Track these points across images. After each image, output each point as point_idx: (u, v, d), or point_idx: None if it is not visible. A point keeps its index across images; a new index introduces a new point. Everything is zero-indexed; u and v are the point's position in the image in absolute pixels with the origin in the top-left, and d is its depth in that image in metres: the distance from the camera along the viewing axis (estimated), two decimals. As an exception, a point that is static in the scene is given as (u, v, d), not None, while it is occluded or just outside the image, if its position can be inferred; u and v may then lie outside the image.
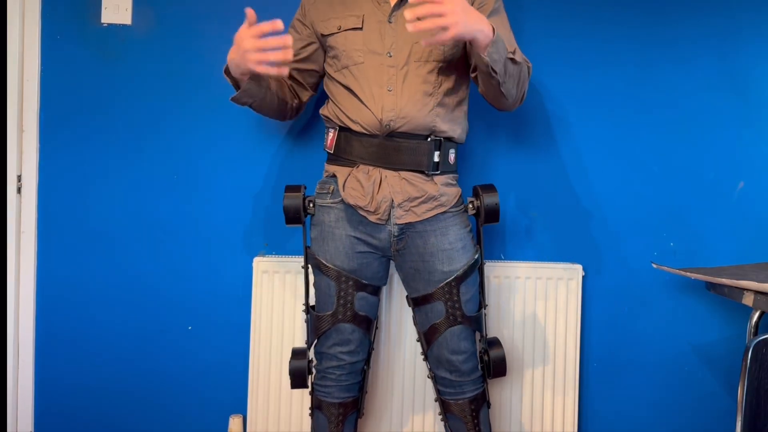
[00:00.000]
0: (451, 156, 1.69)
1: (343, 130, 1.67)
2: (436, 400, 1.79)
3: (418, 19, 1.37)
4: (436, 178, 1.66)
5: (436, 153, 1.65)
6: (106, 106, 2.00)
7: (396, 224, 1.64)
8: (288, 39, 1.44)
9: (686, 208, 2.10)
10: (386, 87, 1.61)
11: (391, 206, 1.63)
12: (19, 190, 2.00)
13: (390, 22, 1.63)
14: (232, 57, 1.51)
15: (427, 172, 1.64)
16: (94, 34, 1.99)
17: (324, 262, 1.67)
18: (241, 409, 2.05)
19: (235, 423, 2.04)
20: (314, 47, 1.74)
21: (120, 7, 1.98)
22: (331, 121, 1.69)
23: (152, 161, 2.01)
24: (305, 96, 1.81)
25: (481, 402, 1.75)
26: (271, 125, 2.02)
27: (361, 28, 1.62)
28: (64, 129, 2.00)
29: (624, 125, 2.07)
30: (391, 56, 1.61)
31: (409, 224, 1.64)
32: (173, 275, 2.04)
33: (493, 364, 1.76)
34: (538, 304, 2.01)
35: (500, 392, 2.02)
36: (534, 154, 2.06)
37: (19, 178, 2.00)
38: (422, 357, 1.80)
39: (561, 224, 2.08)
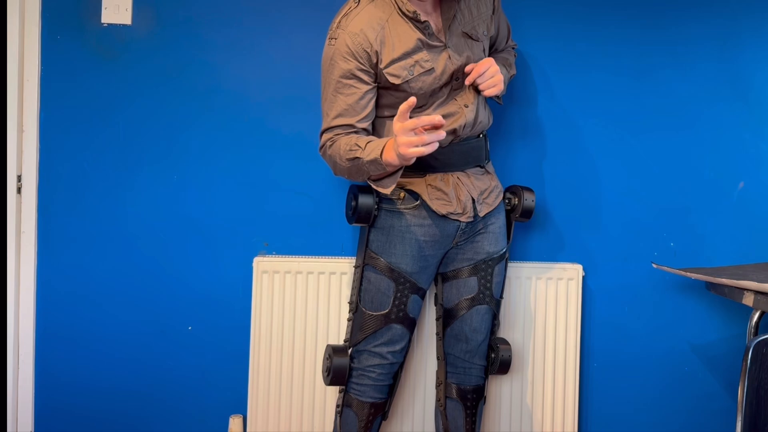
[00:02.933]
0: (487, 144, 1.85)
1: None
2: (438, 386, 1.86)
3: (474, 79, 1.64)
4: (488, 167, 1.82)
5: (486, 144, 1.82)
6: (106, 106, 2.00)
7: (478, 218, 1.75)
8: (439, 119, 1.42)
9: (686, 208, 2.10)
10: (462, 104, 1.69)
11: (473, 203, 1.74)
12: (19, 190, 2.00)
13: (448, 47, 1.66)
14: (396, 154, 1.47)
15: (482, 165, 1.79)
16: (94, 34, 1.99)
17: (389, 264, 1.73)
18: (241, 409, 2.05)
19: (235, 423, 2.04)
20: (374, 94, 1.67)
21: (120, 7, 1.98)
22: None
23: (152, 161, 2.01)
24: None
25: (481, 394, 1.84)
26: (271, 125, 2.02)
27: (433, 70, 1.64)
28: (64, 129, 2.00)
29: (624, 125, 2.07)
30: (458, 80, 1.68)
31: (485, 215, 1.77)
32: (173, 275, 2.04)
33: (501, 359, 1.84)
34: (538, 304, 2.01)
35: (500, 391, 2.02)
36: (534, 154, 2.06)
37: (19, 178, 2.00)
38: (437, 337, 1.88)
39: (561, 224, 2.08)
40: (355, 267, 1.82)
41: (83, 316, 2.03)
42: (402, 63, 1.61)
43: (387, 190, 1.60)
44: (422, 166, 1.69)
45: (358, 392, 1.77)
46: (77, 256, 2.02)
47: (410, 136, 1.42)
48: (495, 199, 1.81)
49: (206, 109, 2.01)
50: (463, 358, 1.81)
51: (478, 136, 1.77)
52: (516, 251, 2.07)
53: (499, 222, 1.82)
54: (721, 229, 2.10)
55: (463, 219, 1.73)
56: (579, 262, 2.06)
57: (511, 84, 2.03)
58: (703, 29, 2.07)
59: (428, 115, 1.59)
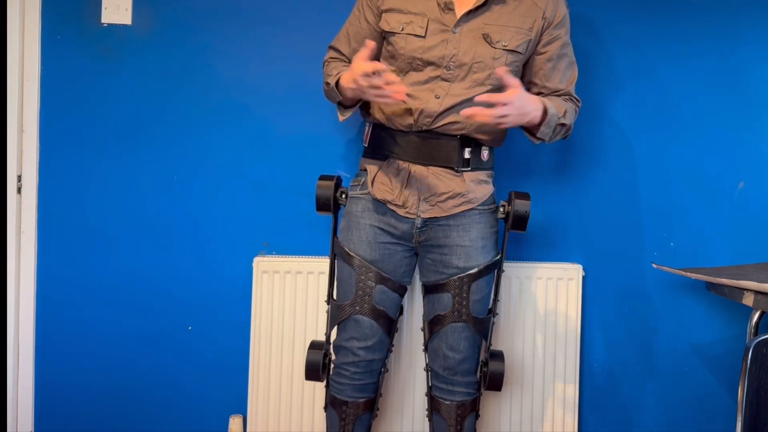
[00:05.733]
0: (484, 153, 1.71)
1: (377, 127, 1.70)
2: (426, 395, 1.81)
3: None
4: (466, 175, 1.67)
5: (467, 150, 1.67)
6: (106, 106, 2.00)
7: (420, 217, 1.66)
8: (402, 87, 1.47)
9: (686, 208, 2.09)
10: (434, 94, 1.62)
11: (418, 200, 1.66)
12: (19, 190, 2.00)
13: (454, 33, 1.62)
14: (350, 85, 1.54)
15: (456, 168, 1.66)
16: (94, 34, 1.99)
17: (347, 250, 1.69)
18: (241, 409, 2.05)
19: (235, 423, 2.04)
20: (373, 34, 1.71)
21: (120, 7, 1.98)
22: (371, 117, 1.72)
23: (152, 161, 2.01)
24: None
25: (469, 410, 1.75)
26: (272, 125, 2.02)
27: (424, 36, 1.61)
28: (64, 129, 2.00)
29: (623, 125, 2.07)
30: (449, 70, 1.61)
31: (433, 218, 1.66)
32: (173, 275, 2.04)
33: (491, 375, 1.74)
34: (538, 304, 2.01)
35: (500, 392, 2.01)
36: (533, 154, 2.06)
37: (19, 178, 2.00)
38: (423, 348, 1.82)
39: (561, 224, 2.08)
40: (329, 257, 1.80)
41: (83, 316, 2.03)
42: (401, 15, 1.63)
43: (341, 117, 1.68)
44: (386, 149, 1.68)
45: (337, 390, 1.73)
46: (77, 256, 2.02)
47: (367, 75, 1.46)
48: (456, 206, 1.66)
49: (206, 109, 2.01)
50: (444, 374, 1.72)
51: (456, 136, 1.65)
52: (516, 251, 2.07)
53: (472, 236, 1.67)
54: (721, 229, 2.10)
55: (401, 212, 1.65)
56: (579, 262, 2.06)
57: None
58: (702, 27, 2.06)
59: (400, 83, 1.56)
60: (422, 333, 1.82)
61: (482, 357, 1.77)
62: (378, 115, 1.69)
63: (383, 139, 1.69)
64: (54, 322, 2.03)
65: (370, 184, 1.68)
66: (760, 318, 1.80)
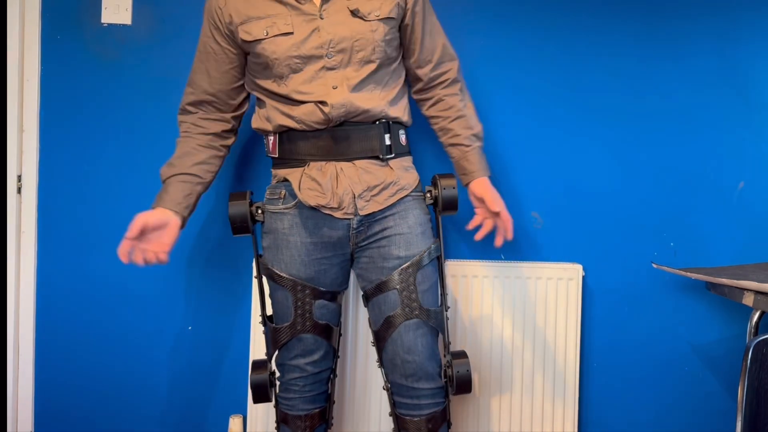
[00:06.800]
0: (402, 137, 1.64)
1: (284, 132, 1.60)
2: (390, 415, 1.66)
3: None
4: (392, 163, 1.60)
5: (386, 136, 1.59)
6: (106, 106, 2.00)
7: (357, 216, 1.57)
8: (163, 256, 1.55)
9: (686, 208, 2.09)
10: (331, 85, 1.53)
11: (354, 198, 1.56)
12: (19, 190, 2.00)
13: (322, 18, 1.53)
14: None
15: (381, 156, 1.58)
16: (94, 34, 1.99)
17: (278, 272, 1.59)
18: (241, 409, 2.05)
19: (235, 423, 2.04)
20: (238, 63, 1.62)
21: (120, 7, 1.98)
22: (269, 129, 1.62)
23: (152, 161, 2.01)
24: (237, 124, 1.72)
25: (440, 422, 1.62)
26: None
27: (292, 33, 1.51)
28: (64, 129, 2.00)
29: (624, 125, 2.07)
30: (331, 57, 1.53)
31: (369, 214, 1.57)
32: (173, 275, 2.04)
33: (458, 378, 1.61)
34: (538, 304, 2.01)
35: (500, 392, 2.02)
36: (534, 154, 2.06)
37: (19, 178, 2.00)
38: (377, 364, 1.67)
39: (561, 224, 2.08)
40: (255, 278, 1.70)
41: (83, 316, 2.03)
42: (260, 21, 1.52)
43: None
44: (302, 153, 1.58)
45: (287, 406, 1.65)
46: (77, 256, 2.02)
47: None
48: (391, 196, 1.58)
49: (206, 109, 2.01)
50: (407, 384, 1.57)
51: (374, 122, 1.58)
52: (516, 251, 2.07)
53: (410, 222, 1.59)
54: (721, 229, 2.10)
55: (338, 215, 1.55)
56: (579, 262, 2.06)
57: (510, 84, 2.03)
58: (702, 26, 2.06)
59: (288, 90, 1.54)
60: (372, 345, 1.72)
61: (444, 361, 1.66)
62: (283, 122, 1.57)
63: (295, 144, 1.58)
64: (54, 322, 2.03)
65: (298, 191, 1.56)
66: (760, 318, 1.80)
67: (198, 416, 2.07)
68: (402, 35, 1.64)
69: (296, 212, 1.59)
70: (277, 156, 1.62)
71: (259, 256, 1.67)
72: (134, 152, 2.01)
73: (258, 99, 1.64)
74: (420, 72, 1.68)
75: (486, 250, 2.05)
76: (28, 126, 1.98)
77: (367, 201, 1.57)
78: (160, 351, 2.05)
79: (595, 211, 2.08)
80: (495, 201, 1.64)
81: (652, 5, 2.05)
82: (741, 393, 1.01)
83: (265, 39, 1.52)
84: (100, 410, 2.05)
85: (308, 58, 1.52)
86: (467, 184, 1.68)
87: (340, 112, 1.53)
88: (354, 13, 1.53)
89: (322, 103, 1.52)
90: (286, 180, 1.61)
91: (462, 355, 1.66)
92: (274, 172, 1.66)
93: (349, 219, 1.57)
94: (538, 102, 2.05)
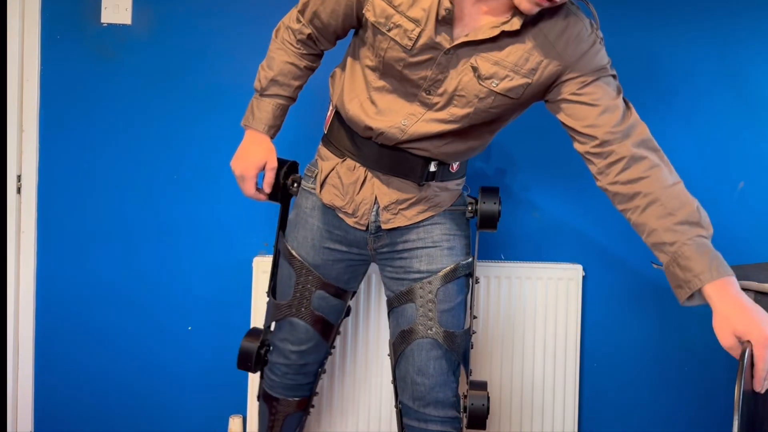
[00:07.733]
0: (454, 165, 1.47)
1: (339, 115, 1.47)
2: None
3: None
4: (432, 183, 1.46)
5: (433, 163, 1.43)
6: (106, 106, 2.00)
7: (371, 229, 1.46)
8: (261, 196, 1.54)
9: (686, 208, 2.09)
10: (401, 121, 1.37)
11: (373, 209, 1.45)
12: (19, 190, 2.00)
13: (447, 54, 1.30)
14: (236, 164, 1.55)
15: (420, 183, 1.44)
16: (94, 34, 1.99)
17: (290, 249, 1.52)
18: (241, 409, 2.05)
19: (235, 423, 2.04)
20: (351, 20, 1.40)
21: (120, 7, 1.98)
22: (334, 94, 1.49)
23: (152, 161, 2.02)
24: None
25: None
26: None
27: (410, 49, 1.29)
28: (64, 129, 2.00)
29: (624, 125, 2.07)
30: (429, 94, 1.34)
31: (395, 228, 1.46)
32: (173, 275, 2.04)
33: (471, 410, 1.45)
34: (538, 304, 2.01)
35: (500, 392, 2.02)
36: (534, 154, 2.06)
37: (19, 178, 2.00)
38: (391, 380, 1.55)
39: (561, 224, 2.08)
40: (274, 247, 1.62)
41: (83, 316, 2.03)
42: (391, 10, 1.29)
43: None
44: (344, 145, 1.46)
45: (269, 386, 1.61)
46: (77, 256, 2.02)
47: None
48: (421, 212, 1.45)
49: (206, 108, 2.01)
50: (414, 407, 1.45)
51: (422, 158, 1.42)
52: (516, 251, 2.07)
53: (436, 236, 1.46)
54: (721, 229, 2.08)
55: (350, 221, 1.45)
56: (579, 262, 2.06)
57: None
58: (702, 27, 2.06)
59: (378, 85, 1.38)
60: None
61: (463, 390, 1.50)
62: (338, 106, 1.46)
63: (342, 136, 1.47)
64: (54, 322, 2.03)
65: (320, 186, 1.48)
66: (759, 318, 1.79)
67: (198, 416, 2.07)
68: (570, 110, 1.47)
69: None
70: (326, 132, 1.53)
71: (280, 231, 1.60)
72: (134, 152, 2.01)
73: (349, 63, 1.46)
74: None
75: (486, 250, 2.05)
76: (28, 126, 1.99)
77: (395, 214, 1.45)
78: (160, 351, 2.05)
79: (595, 211, 2.08)
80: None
81: (652, 6, 2.05)
82: (738, 393, 1.01)
83: (383, 33, 1.31)
84: (100, 410, 2.05)
85: (407, 80, 1.35)
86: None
87: (385, 142, 1.40)
88: (473, 69, 1.31)
89: (375, 129, 1.39)
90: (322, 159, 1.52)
91: (482, 386, 1.50)
92: (318, 148, 1.55)
93: (360, 230, 1.47)
94: (537, 103, 2.05)
